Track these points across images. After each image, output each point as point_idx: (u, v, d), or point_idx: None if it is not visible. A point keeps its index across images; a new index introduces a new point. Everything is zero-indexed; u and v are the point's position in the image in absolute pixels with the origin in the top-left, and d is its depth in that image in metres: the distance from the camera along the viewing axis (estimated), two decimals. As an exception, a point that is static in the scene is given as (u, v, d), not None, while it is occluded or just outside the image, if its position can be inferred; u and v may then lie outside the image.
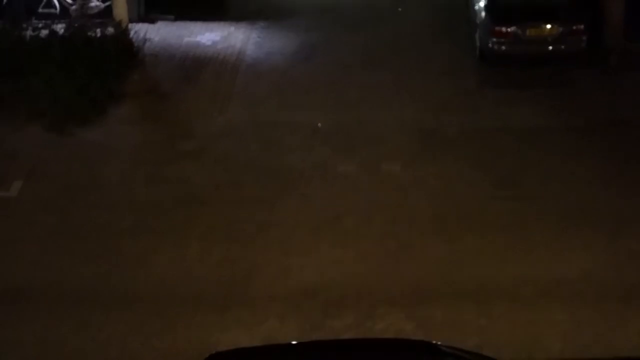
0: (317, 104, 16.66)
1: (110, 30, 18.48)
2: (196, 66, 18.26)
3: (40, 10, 19.83)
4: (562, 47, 17.55)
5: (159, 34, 19.61)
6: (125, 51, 18.14)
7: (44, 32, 18.31)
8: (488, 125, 15.84)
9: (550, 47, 17.59)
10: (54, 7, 19.88)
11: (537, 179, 14.28)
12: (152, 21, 20.14)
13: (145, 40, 18.80)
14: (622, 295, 11.76)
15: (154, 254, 12.75)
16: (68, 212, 13.78)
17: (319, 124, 16.01)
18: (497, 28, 17.48)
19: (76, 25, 18.48)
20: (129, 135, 15.89)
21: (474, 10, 18.47)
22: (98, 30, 18.26)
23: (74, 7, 19.81)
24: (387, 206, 13.72)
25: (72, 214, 13.72)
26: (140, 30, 19.04)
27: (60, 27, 18.47)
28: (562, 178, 14.28)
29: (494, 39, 17.51)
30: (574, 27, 17.47)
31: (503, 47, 17.54)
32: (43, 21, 19.11)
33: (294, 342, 10.43)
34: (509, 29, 17.46)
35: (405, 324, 11.37)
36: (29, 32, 18.32)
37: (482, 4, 18.09)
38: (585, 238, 12.86)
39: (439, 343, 9.40)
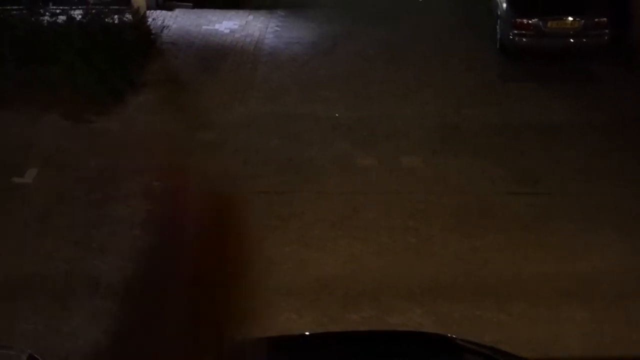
0: (337, 97, 16.56)
1: (128, 17, 18.36)
2: (215, 55, 18.16)
3: (57, -5, 19.76)
4: (584, 40, 17.39)
5: (176, 21, 19.52)
6: (143, 39, 18.06)
7: (62, 18, 18.21)
8: (510, 120, 15.72)
9: (572, 41, 17.43)
10: (72, -7, 19.80)
11: (559, 176, 14.15)
12: (170, 8, 20.06)
13: (163, 27, 18.72)
14: (644, 294, 11.65)
15: (171, 246, 12.64)
16: (83, 201, 13.69)
17: (337, 114, 15.92)
18: (518, 20, 17.33)
19: (94, 11, 18.37)
20: (148, 125, 15.78)
21: (496, 2, 18.32)
22: (116, 17, 18.14)
23: (91, -7, 19.74)
24: (407, 201, 13.61)
25: (88, 204, 13.63)
26: (158, 18, 18.95)
27: (77, 14, 18.36)
28: (584, 175, 14.15)
29: (515, 31, 17.37)
30: (597, 20, 17.30)
31: (524, 40, 17.40)
32: (60, 7, 19.01)
33: (307, 333, 10.37)
34: (530, 21, 17.31)
35: (424, 319, 11.27)
36: (46, 18, 18.24)
37: (503, -5, 17.95)
38: (608, 236, 12.72)
39: (456, 337, 9.33)
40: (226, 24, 19.56)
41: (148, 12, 19.06)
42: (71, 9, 18.68)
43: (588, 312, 11.37)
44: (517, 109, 16.06)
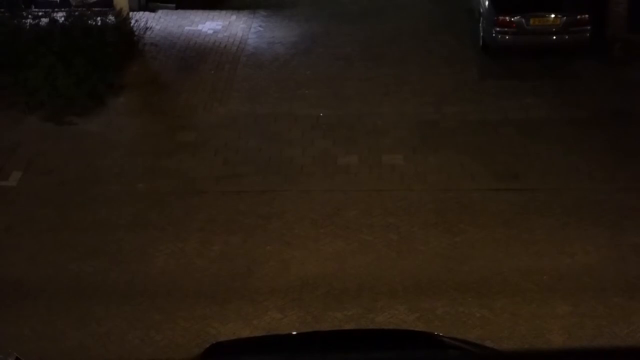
0: (317, 96, 16.56)
1: (110, 19, 18.29)
2: (197, 56, 18.15)
3: (40, -2, 19.72)
4: (566, 37, 17.41)
5: (159, 22, 19.49)
6: (126, 40, 17.99)
7: (44, 21, 18.14)
8: (490, 117, 15.74)
9: (554, 38, 17.45)
10: (55, -5, 19.75)
11: (539, 172, 14.19)
12: (153, 10, 20.02)
13: (145, 29, 18.67)
14: (625, 288, 11.71)
15: (154, 247, 12.67)
16: (67, 204, 13.69)
17: (321, 114, 15.92)
18: (500, 17, 17.34)
19: (76, 13, 18.31)
20: (129, 126, 15.79)
21: (478, 0, 18.33)
22: (98, 19, 18.06)
23: (74, -5, 19.69)
24: (388, 198, 13.63)
25: (71, 206, 13.63)
26: (141, 19, 18.89)
27: (60, 16, 18.30)
28: (564, 170, 14.20)
29: (498, 29, 17.37)
30: (578, 17, 17.32)
31: (506, 37, 17.40)
32: (43, 10, 18.96)
33: (294, 333, 10.38)
34: (512, 19, 17.33)
35: (407, 316, 11.31)
36: (28, 21, 18.16)
37: (486, -7, 17.95)
38: (588, 231, 12.79)
39: (441, 334, 9.35)
40: (209, 25, 19.53)
41: (131, 13, 18.99)
42: (53, 12, 18.62)
43: (570, 306, 11.44)
44: (497, 106, 16.07)
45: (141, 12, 19.53)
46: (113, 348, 11.01)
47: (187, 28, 19.35)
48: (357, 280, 11.97)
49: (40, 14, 18.64)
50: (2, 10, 18.45)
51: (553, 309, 11.39)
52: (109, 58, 17.00)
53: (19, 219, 13.42)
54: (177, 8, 20.18)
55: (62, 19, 18.15)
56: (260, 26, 19.43)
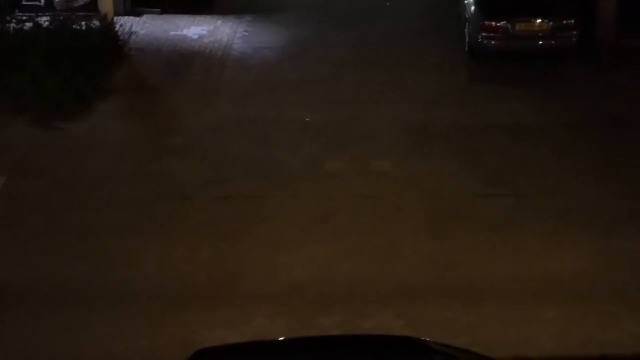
0: (306, 101, 16.56)
1: (95, 23, 18.26)
2: (183, 60, 18.15)
3: (24, 2, 19.59)
4: (553, 42, 17.48)
5: (144, 27, 19.49)
6: (111, 45, 17.97)
7: (28, 25, 18.08)
8: (478, 121, 15.77)
9: (541, 43, 17.52)
10: (39, -1, 19.67)
11: (528, 177, 14.19)
12: (138, 14, 20.01)
13: (131, 33, 18.67)
14: (614, 294, 11.65)
15: (141, 252, 12.58)
16: (53, 209, 13.60)
17: (307, 119, 15.91)
18: (486, 22, 17.38)
19: (61, 18, 18.25)
20: (115, 130, 15.74)
21: (464, 5, 18.36)
22: (83, 23, 18.02)
23: (58, -1, 19.62)
24: (376, 204, 13.60)
25: (57, 211, 13.54)
26: (126, 24, 18.92)
27: (44, 20, 18.25)
28: (553, 175, 14.20)
29: (484, 34, 17.43)
30: (565, 22, 17.40)
31: (493, 42, 17.45)
32: (27, 14, 18.88)
33: (280, 338, 10.32)
34: (498, 24, 17.38)
35: (395, 322, 11.26)
36: (12, 25, 18.08)
37: (472, -2, 17.99)
38: (577, 236, 12.77)
39: (427, 339, 9.32)
40: (194, 30, 19.54)
41: (116, 18, 19.01)
42: (37, 16, 18.54)
43: (559, 312, 11.39)
44: (485, 111, 16.11)
45: (126, 17, 19.53)
46: (98, 354, 10.92)
47: (172, 33, 19.36)
48: (345, 286, 11.91)
49: (24, 18, 18.55)
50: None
51: (541, 315, 11.34)
52: (95, 62, 16.95)
53: (3, 224, 13.30)
54: (162, 13, 20.18)
55: (47, 23, 18.08)
56: (246, 31, 19.45)
